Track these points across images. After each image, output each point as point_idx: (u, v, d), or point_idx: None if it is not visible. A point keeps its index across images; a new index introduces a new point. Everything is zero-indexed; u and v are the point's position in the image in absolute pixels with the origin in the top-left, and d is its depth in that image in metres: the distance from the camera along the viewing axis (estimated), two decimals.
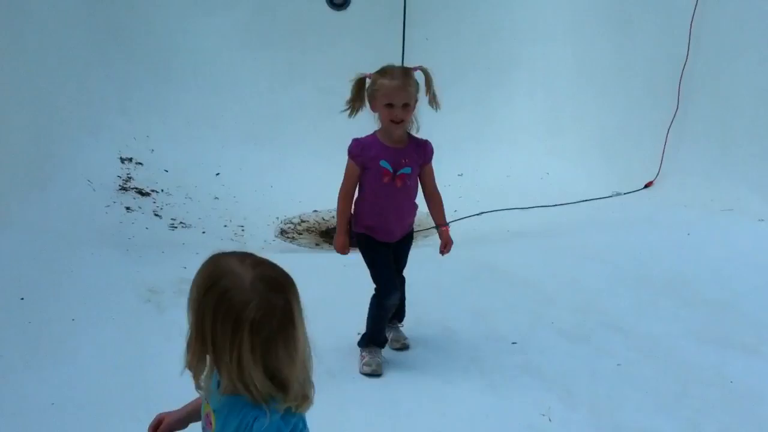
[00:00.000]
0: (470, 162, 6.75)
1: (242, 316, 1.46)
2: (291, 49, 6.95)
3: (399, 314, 3.47)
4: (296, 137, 6.83)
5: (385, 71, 3.10)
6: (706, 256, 4.50)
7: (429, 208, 3.34)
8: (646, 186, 5.94)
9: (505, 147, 6.88)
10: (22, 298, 3.73)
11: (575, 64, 6.84)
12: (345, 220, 3.29)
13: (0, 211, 4.38)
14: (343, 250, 3.29)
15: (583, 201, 6.01)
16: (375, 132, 3.18)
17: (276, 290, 1.55)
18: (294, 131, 6.87)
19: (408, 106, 3.04)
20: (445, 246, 3.27)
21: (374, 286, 3.30)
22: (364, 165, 3.15)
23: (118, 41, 6.49)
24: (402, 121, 3.06)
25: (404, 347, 3.42)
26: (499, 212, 5.90)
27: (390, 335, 3.43)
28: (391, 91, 3.03)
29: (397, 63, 7.07)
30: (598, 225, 5.46)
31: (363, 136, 3.21)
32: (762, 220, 4.90)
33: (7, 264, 4.06)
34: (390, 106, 3.03)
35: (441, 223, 3.31)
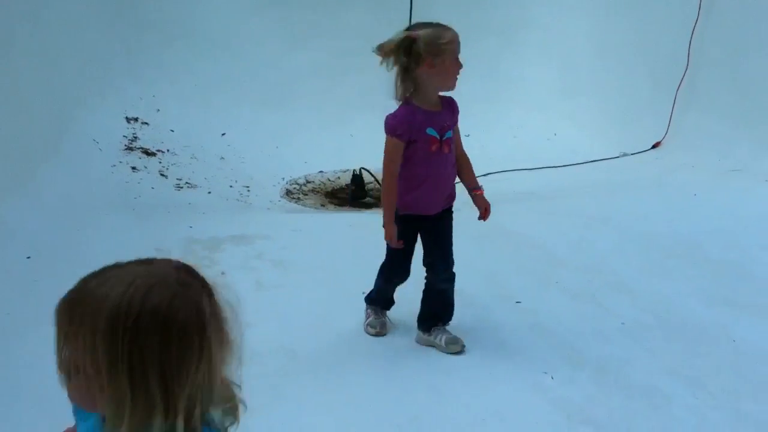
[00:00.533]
0: (477, 123, 6.65)
1: (203, 323, 1.14)
2: (301, 10, 6.88)
3: (445, 315, 3.13)
4: (304, 99, 6.78)
5: (441, 26, 2.88)
6: (714, 216, 4.47)
7: (459, 172, 3.08)
8: (654, 146, 5.90)
9: (512, 108, 6.83)
10: (29, 257, 3.74)
11: (586, 26, 6.76)
12: (394, 207, 2.99)
13: (6, 174, 4.37)
14: (397, 243, 2.98)
15: (590, 162, 5.98)
16: (406, 101, 2.89)
17: (195, 276, 1.22)
18: (302, 93, 6.82)
19: None
20: (486, 211, 3.08)
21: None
22: (410, 139, 2.87)
23: (125, 4, 6.43)
24: None
25: (463, 349, 3.04)
26: (506, 173, 5.87)
27: (442, 339, 3.07)
28: (458, 45, 2.86)
29: (404, 23, 7.00)
30: (605, 186, 5.43)
31: (393, 111, 2.91)
32: None
33: (15, 223, 4.07)
34: (457, 60, 2.86)
35: (474, 187, 3.10)
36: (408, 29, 2.89)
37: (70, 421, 1.33)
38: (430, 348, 3.08)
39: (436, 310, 3.11)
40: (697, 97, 5.71)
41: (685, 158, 5.54)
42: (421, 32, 2.81)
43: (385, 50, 2.84)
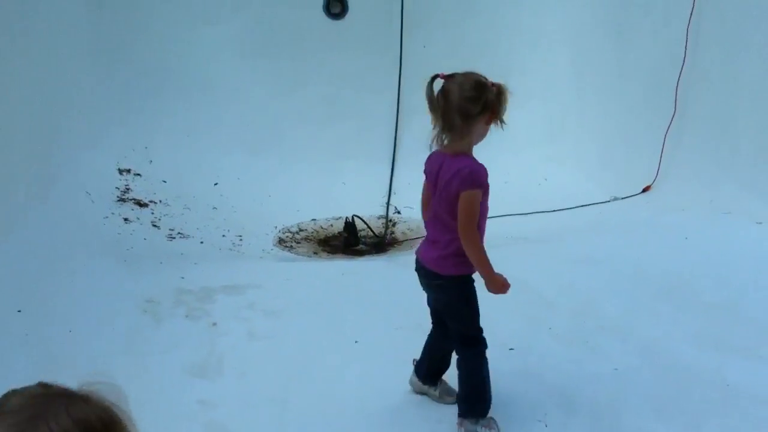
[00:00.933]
0: None
1: None
2: (289, 58, 6.97)
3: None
4: (295, 146, 6.84)
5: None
6: (705, 259, 4.48)
7: None
8: (644, 190, 5.93)
9: (502, 153, 6.83)
10: (20, 311, 3.73)
11: (573, 71, 6.86)
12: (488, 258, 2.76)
13: (0, 222, 4.38)
14: (507, 288, 2.82)
15: (581, 206, 6.01)
16: (465, 153, 2.73)
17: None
18: (293, 140, 6.88)
19: None
20: None
21: (469, 334, 2.84)
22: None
23: (118, 53, 6.50)
24: None
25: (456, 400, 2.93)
26: (497, 218, 5.89)
27: (437, 389, 3.04)
28: None
29: (395, 70, 7.12)
30: (596, 230, 5.46)
31: (475, 162, 2.76)
32: (760, 222, 4.88)
33: (6, 276, 4.05)
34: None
35: None
36: (450, 76, 2.74)
37: None
38: (423, 396, 3.07)
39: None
40: (685, 140, 5.76)
41: (675, 201, 5.57)
42: (500, 83, 2.69)
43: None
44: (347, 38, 7.01)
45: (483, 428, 2.76)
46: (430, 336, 3.03)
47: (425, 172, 2.80)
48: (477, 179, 2.65)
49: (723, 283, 4.10)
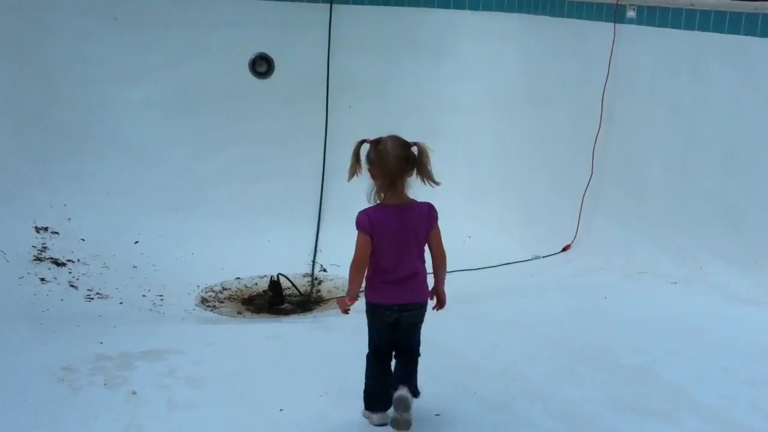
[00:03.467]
0: None
1: None
2: (214, 116, 6.95)
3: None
4: (219, 204, 6.80)
5: None
6: (623, 319, 4.61)
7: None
8: (564, 249, 6.10)
9: None
10: None
11: (493, 135, 7.09)
12: None
13: None
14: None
15: (504, 264, 6.13)
16: (414, 201, 3.20)
17: None
18: (217, 198, 6.84)
19: None
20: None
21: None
22: None
23: (35, 113, 6.40)
24: None
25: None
26: None
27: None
28: None
29: (321, 129, 7.17)
30: (518, 289, 5.57)
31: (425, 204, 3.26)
32: (675, 282, 5.07)
33: None
34: None
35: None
36: (376, 141, 3.14)
37: None
38: None
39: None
40: (601, 202, 5.97)
41: (594, 261, 5.73)
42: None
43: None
44: (273, 97, 7.05)
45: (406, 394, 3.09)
46: (388, 374, 3.23)
47: (375, 228, 3.04)
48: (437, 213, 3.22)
49: (640, 344, 4.22)
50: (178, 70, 6.87)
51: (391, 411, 3.13)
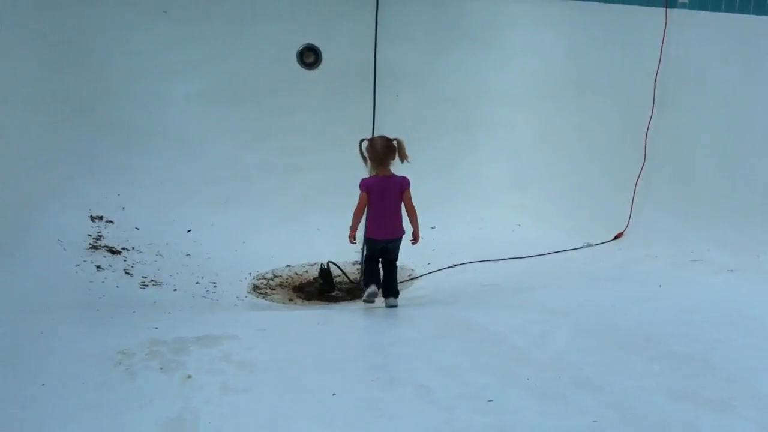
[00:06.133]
0: (442, 215, 6.81)
1: None
2: (262, 108, 7.02)
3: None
4: (269, 194, 6.88)
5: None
6: (676, 308, 4.54)
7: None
8: (616, 237, 6.02)
9: (474, 202, 6.97)
10: None
11: (540, 124, 7.03)
12: None
13: None
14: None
15: (554, 253, 6.07)
16: (393, 174, 4.89)
17: None
18: (266, 189, 6.92)
19: None
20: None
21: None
22: None
23: (85, 107, 6.54)
24: None
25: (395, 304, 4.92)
26: (471, 264, 5.94)
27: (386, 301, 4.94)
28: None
29: (369, 119, 7.19)
30: (569, 277, 5.52)
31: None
32: (731, 270, 4.97)
33: None
34: None
35: None
36: (371, 139, 4.90)
37: None
38: None
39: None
40: (654, 189, 5.88)
41: (647, 249, 5.65)
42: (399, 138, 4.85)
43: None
44: (320, 88, 7.08)
45: (393, 299, 4.93)
46: (379, 271, 4.99)
47: (369, 189, 4.78)
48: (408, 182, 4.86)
49: (694, 333, 4.14)
50: (226, 63, 6.96)
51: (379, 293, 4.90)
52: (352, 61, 7.13)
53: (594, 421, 3.25)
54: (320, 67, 7.12)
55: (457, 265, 5.99)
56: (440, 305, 5.09)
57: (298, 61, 7.07)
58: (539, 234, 6.48)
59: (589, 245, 6.11)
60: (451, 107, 7.03)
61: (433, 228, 6.74)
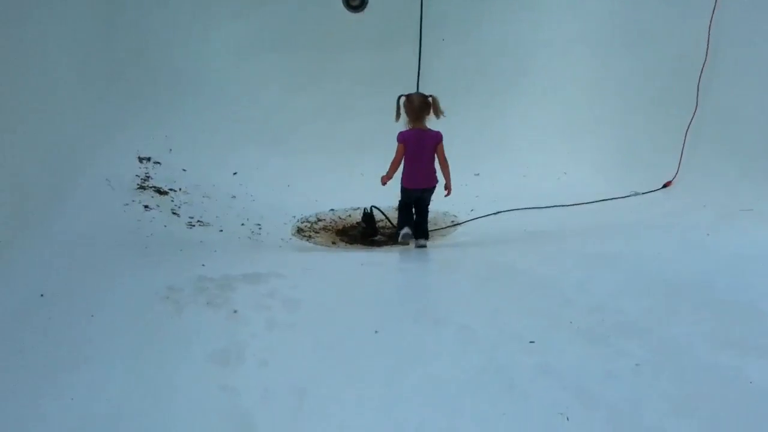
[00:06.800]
0: (487, 162, 6.76)
1: None
2: (307, 53, 7.00)
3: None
4: (314, 139, 6.89)
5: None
6: (724, 256, 4.47)
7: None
8: (665, 186, 5.92)
9: (521, 148, 6.89)
10: (42, 295, 3.77)
11: (589, 72, 6.89)
12: None
13: (21, 214, 4.42)
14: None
15: (600, 201, 5.99)
16: (429, 128, 5.02)
17: None
18: (311, 133, 6.93)
19: None
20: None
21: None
22: None
23: (134, 51, 6.56)
24: None
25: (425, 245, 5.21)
26: (515, 212, 5.89)
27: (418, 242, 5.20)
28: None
29: (414, 63, 7.12)
30: (615, 225, 5.45)
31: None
32: None
33: (27, 262, 4.10)
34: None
35: None
36: (408, 95, 5.06)
37: None
38: (444, 384, 3.07)
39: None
40: (706, 137, 5.75)
41: (696, 198, 5.55)
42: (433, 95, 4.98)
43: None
44: (366, 33, 7.02)
45: (423, 240, 5.23)
46: (413, 216, 5.25)
47: (406, 141, 4.95)
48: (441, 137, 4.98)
49: (742, 281, 4.08)
50: (271, 7, 6.93)
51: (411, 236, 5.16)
52: (399, 6, 7.03)
53: (637, 365, 3.25)
54: (366, 10, 7.03)
55: (501, 212, 5.95)
56: (483, 250, 5.09)
57: (343, 3, 6.99)
58: (586, 182, 6.39)
59: (636, 194, 6.02)
60: (500, 53, 6.91)
61: (477, 175, 6.69)
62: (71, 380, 3.06)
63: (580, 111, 7.01)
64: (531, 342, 3.43)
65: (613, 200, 5.98)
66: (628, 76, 6.61)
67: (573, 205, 5.92)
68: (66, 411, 2.84)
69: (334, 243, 5.79)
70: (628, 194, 6.03)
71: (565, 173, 6.57)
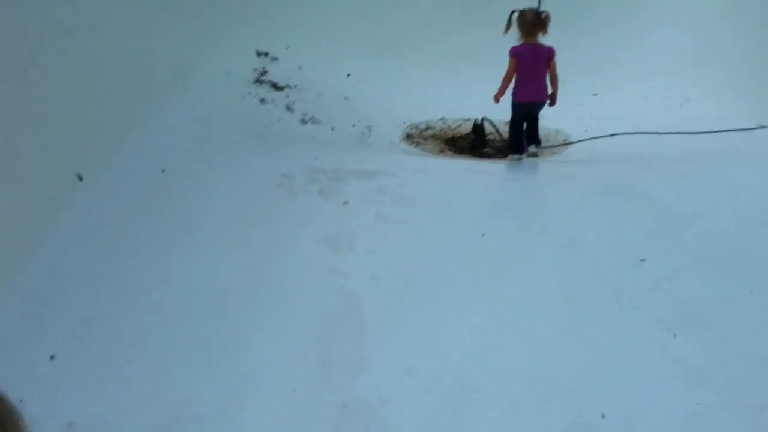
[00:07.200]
0: (606, 83, 6.55)
1: None
2: None
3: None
4: (427, 46, 6.80)
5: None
6: None
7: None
8: None
9: (644, 71, 6.62)
10: (164, 171, 3.92)
11: None
12: None
13: (146, 97, 4.57)
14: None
15: (724, 131, 5.73)
16: (541, 43, 4.91)
17: None
18: (425, 40, 6.84)
19: None
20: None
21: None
22: None
23: None
24: None
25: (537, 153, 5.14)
26: (632, 135, 5.71)
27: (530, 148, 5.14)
28: None
29: None
30: (738, 156, 5.21)
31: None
32: None
33: (150, 142, 4.26)
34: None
35: None
36: (522, 11, 4.95)
37: None
38: (550, 293, 3.07)
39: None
40: None
41: None
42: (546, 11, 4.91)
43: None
44: None
45: (534, 147, 5.16)
46: (524, 136, 5.15)
47: (518, 56, 4.89)
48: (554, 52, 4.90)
49: None
50: None
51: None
52: None
53: (751, 291, 3.15)
54: None
55: (617, 134, 5.77)
56: (597, 169, 4.96)
57: None
58: (709, 110, 6.10)
59: (763, 127, 5.71)
60: None
61: (595, 95, 6.50)
62: (191, 250, 3.21)
63: (707, 36, 6.65)
64: (642, 260, 3.37)
65: (737, 132, 5.70)
66: (762, 1, 6.21)
67: (695, 133, 5.68)
68: (190, 274, 2.99)
69: (441, 151, 5.77)
70: (754, 126, 5.73)
71: (688, 99, 6.29)
